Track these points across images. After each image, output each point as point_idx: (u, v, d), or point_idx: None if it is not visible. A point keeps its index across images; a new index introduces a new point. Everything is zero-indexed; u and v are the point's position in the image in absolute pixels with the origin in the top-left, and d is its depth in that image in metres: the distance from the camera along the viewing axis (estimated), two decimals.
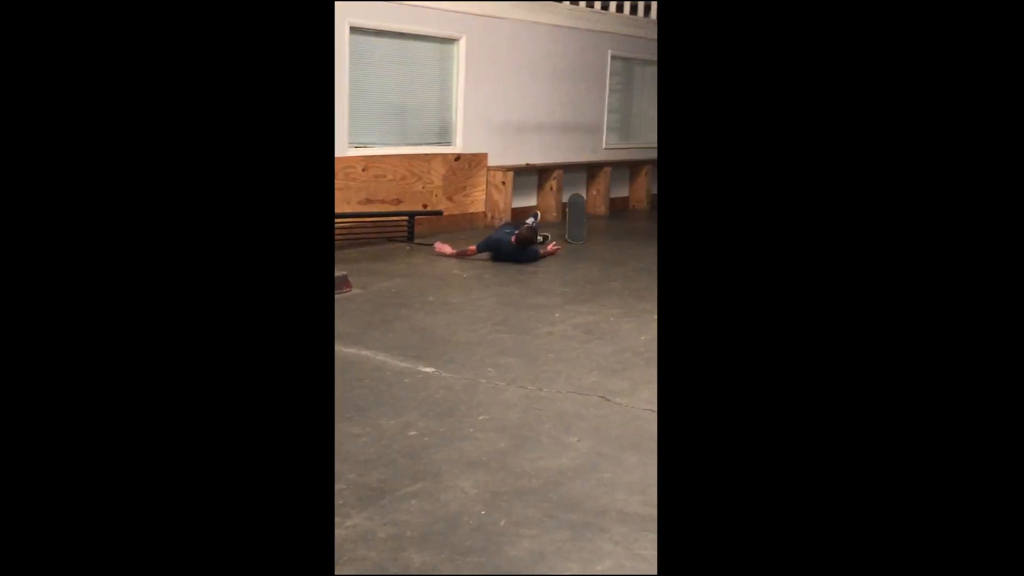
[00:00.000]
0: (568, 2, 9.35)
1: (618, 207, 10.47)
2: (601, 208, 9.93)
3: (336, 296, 5.36)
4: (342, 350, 4.29)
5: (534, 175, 9.27)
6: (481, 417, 3.50)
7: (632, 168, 10.64)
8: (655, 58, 10.80)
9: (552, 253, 7.10)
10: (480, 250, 6.87)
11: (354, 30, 7.24)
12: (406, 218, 7.64)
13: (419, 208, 7.93)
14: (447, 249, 6.99)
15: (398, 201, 7.76)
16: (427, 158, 8.03)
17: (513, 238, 6.69)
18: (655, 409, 3.65)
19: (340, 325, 4.68)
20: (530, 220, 7.25)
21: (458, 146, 8.40)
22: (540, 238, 7.13)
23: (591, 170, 9.94)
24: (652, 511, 2.71)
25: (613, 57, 10.11)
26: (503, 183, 8.58)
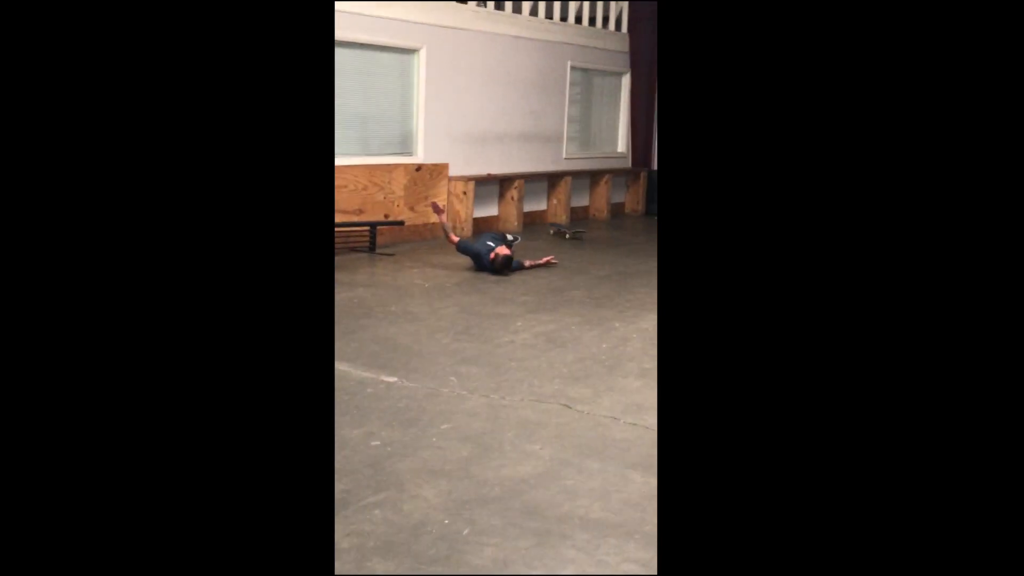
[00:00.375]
0: (528, 8, 9.40)
1: (579, 216, 10.53)
2: (562, 218, 9.98)
3: None
4: None
5: (495, 185, 9.30)
6: (444, 426, 3.50)
7: (592, 177, 10.72)
8: (614, 69, 10.90)
9: (544, 264, 7.16)
10: (459, 249, 6.97)
11: None
12: (368, 228, 7.63)
13: (381, 218, 7.92)
14: (443, 216, 7.27)
15: (360, 211, 7.74)
16: (389, 168, 8.02)
17: (492, 256, 6.74)
18: (617, 416, 3.69)
19: None
20: (510, 236, 7.31)
21: (419, 156, 8.41)
22: (512, 238, 7.35)
23: (552, 180, 10.00)
24: (614, 517, 2.74)
25: (572, 68, 10.19)
26: (464, 193, 8.60)
